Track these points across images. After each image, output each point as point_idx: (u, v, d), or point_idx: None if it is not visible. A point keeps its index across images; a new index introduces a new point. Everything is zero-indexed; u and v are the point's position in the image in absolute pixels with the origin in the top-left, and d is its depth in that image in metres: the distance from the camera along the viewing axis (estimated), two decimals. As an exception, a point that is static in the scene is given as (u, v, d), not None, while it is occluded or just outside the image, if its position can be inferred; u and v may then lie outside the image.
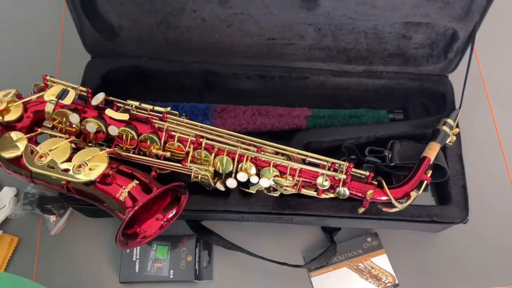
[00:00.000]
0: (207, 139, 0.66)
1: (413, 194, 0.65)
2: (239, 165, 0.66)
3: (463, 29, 0.74)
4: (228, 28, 0.78)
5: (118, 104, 0.69)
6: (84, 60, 0.81)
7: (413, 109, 0.84)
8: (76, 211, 0.80)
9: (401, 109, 0.82)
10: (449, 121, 0.71)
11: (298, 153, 0.68)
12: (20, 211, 0.78)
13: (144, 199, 0.59)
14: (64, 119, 0.66)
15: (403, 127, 0.77)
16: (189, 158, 0.66)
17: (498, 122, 0.90)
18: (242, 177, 0.65)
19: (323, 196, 0.66)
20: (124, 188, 0.61)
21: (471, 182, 0.74)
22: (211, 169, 0.66)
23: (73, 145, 0.64)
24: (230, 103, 0.81)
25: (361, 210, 0.68)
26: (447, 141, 0.71)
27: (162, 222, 0.67)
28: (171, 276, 0.73)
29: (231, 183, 0.66)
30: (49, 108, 0.66)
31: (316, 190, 0.66)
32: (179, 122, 0.68)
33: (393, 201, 0.65)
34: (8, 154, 0.62)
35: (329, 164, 0.66)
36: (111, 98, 0.69)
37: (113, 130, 0.66)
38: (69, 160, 0.61)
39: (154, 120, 0.67)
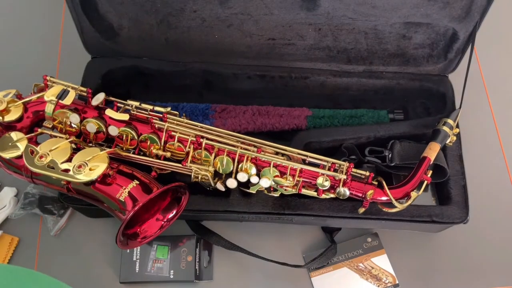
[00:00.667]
0: (207, 139, 0.66)
1: (413, 194, 0.65)
2: (239, 165, 0.66)
3: (463, 29, 0.74)
4: (228, 28, 0.78)
5: (118, 104, 0.69)
6: (84, 60, 0.81)
7: (413, 109, 0.84)
8: (76, 211, 0.80)
9: (401, 109, 0.82)
10: (449, 121, 0.70)
11: (298, 153, 0.68)
12: (20, 211, 0.78)
13: (144, 199, 0.59)
14: (64, 119, 0.66)
15: (403, 127, 0.77)
16: (189, 158, 0.66)
17: (498, 122, 0.90)
18: (242, 177, 0.65)
19: (323, 196, 0.66)
20: (124, 188, 0.61)
21: (471, 182, 0.74)
22: (211, 169, 0.66)
23: (73, 145, 0.64)
24: (230, 103, 0.81)
25: (361, 210, 0.68)
26: (447, 141, 0.71)
27: (162, 222, 0.67)
28: (171, 276, 0.73)
29: (231, 183, 0.66)
30: (49, 108, 0.66)
31: (317, 190, 0.66)
32: (179, 122, 0.68)
33: (393, 201, 0.65)
34: (8, 154, 0.62)
35: (329, 164, 0.66)
36: (111, 98, 0.69)
37: (113, 130, 0.66)
38: (69, 160, 0.61)
39: (154, 120, 0.67)
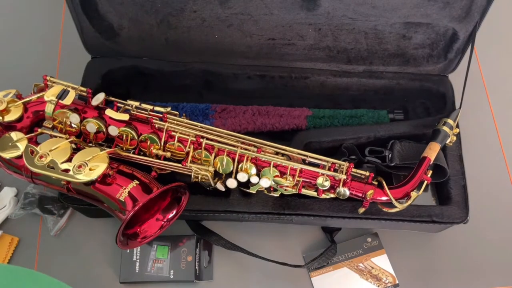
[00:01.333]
0: (207, 139, 0.66)
1: (413, 194, 0.65)
2: (239, 165, 0.66)
3: (463, 29, 0.74)
4: (228, 28, 0.78)
5: (118, 104, 0.69)
6: (84, 60, 0.81)
7: (413, 109, 0.84)
8: (76, 211, 0.80)
9: (401, 109, 0.82)
10: (449, 121, 0.70)
11: (298, 153, 0.68)
12: (20, 211, 0.78)
13: (144, 199, 0.59)
14: (64, 119, 0.66)
15: (403, 127, 0.77)
16: (189, 158, 0.66)
17: (498, 122, 0.90)
18: (242, 177, 0.65)
19: (323, 196, 0.66)
20: (124, 188, 0.61)
21: (471, 182, 0.74)
22: (211, 169, 0.66)
23: (73, 145, 0.64)
24: (230, 103, 0.81)
25: (361, 210, 0.68)
26: (447, 141, 0.71)
27: (162, 222, 0.67)
28: (171, 276, 0.73)
29: (231, 183, 0.66)
30: (49, 108, 0.66)
31: (317, 190, 0.66)
32: (179, 122, 0.68)
33: (394, 201, 0.65)
34: (8, 154, 0.62)
35: (329, 164, 0.66)
36: (111, 98, 0.69)
37: (113, 130, 0.66)
38: (69, 160, 0.61)
39: (154, 120, 0.67)
